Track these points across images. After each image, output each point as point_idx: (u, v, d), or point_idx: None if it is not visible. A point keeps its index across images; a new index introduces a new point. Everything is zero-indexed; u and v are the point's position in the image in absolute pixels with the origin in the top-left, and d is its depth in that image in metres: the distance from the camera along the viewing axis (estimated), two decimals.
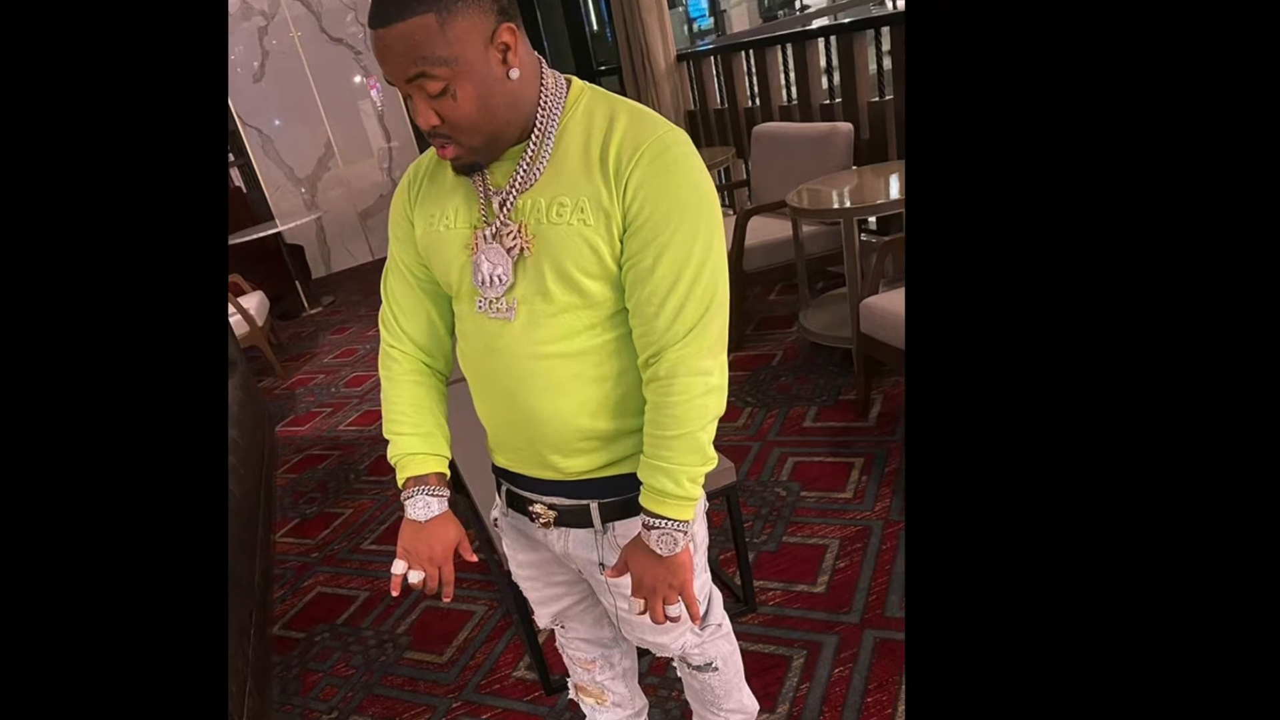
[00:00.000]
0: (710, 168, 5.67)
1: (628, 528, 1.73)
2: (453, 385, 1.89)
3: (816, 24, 6.09)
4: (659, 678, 2.86)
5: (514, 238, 1.55)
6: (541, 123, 1.54)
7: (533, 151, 1.54)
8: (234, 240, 8.04)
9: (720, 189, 6.42)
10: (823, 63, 5.86)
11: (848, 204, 4.22)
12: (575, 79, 1.60)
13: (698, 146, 1.88)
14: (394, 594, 1.74)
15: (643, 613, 1.71)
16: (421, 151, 1.77)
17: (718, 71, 7.02)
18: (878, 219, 5.74)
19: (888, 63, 5.32)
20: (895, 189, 4.24)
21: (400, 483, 1.77)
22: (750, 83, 6.66)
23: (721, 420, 1.61)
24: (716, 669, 2.13)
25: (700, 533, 1.85)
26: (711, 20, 13.07)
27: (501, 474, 1.88)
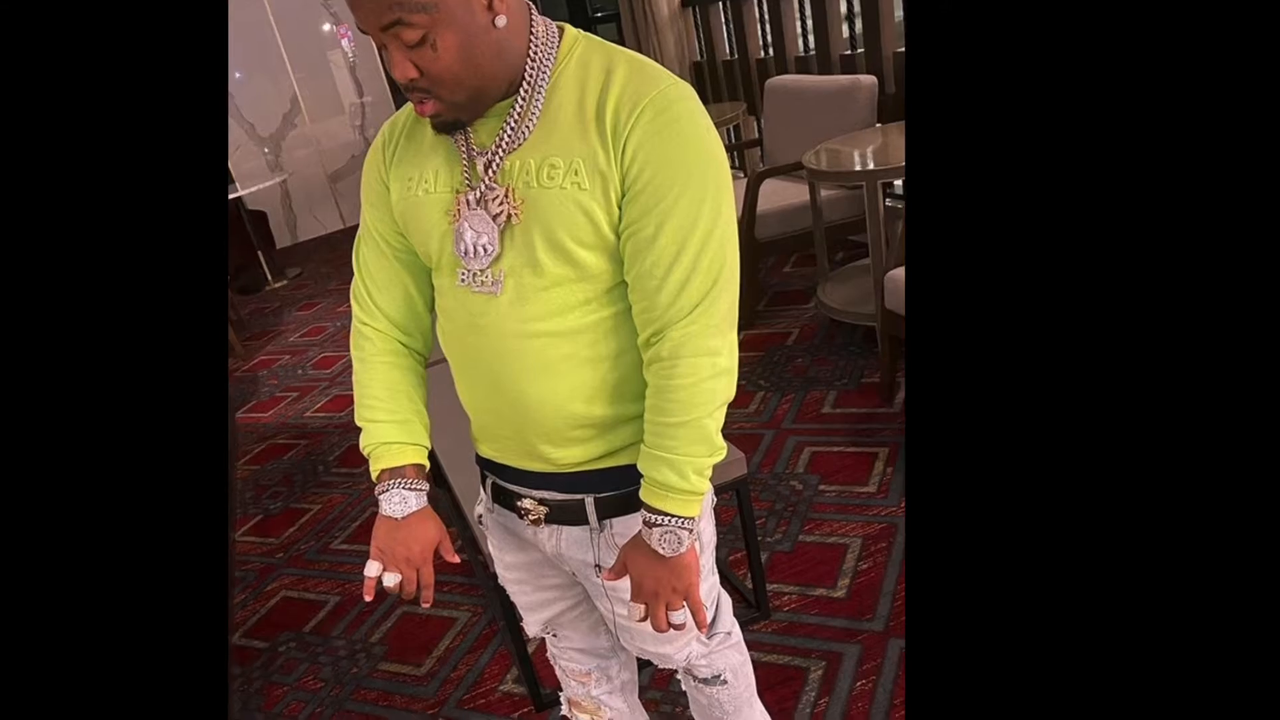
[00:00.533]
0: (718, 125, 5.67)
1: (627, 525, 1.73)
2: (433, 367, 1.89)
3: None
4: (661, 692, 2.87)
5: (500, 203, 1.54)
6: (531, 76, 1.53)
7: (521, 107, 1.53)
8: None
9: (729, 149, 6.41)
10: (843, 9, 5.85)
11: (871, 165, 4.21)
12: (568, 27, 1.59)
13: (704, 102, 1.87)
14: (367, 599, 1.74)
15: (643, 620, 1.71)
16: (398, 107, 1.76)
17: (727, 18, 7.01)
18: (904, 183, 5.73)
19: None
20: None
21: (374, 475, 1.77)
22: (763, 31, 6.66)
23: (731, 406, 1.60)
24: (725, 682, 2.12)
25: (707, 531, 1.86)
26: None
27: (487, 466, 1.87)
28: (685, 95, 1.50)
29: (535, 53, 1.53)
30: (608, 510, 1.74)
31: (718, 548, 2.01)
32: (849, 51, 5.83)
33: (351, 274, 1.82)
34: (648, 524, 1.62)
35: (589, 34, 1.59)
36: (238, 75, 9.55)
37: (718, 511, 2.02)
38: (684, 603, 1.68)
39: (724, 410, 1.59)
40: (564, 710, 2.28)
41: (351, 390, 1.82)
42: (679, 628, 1.70)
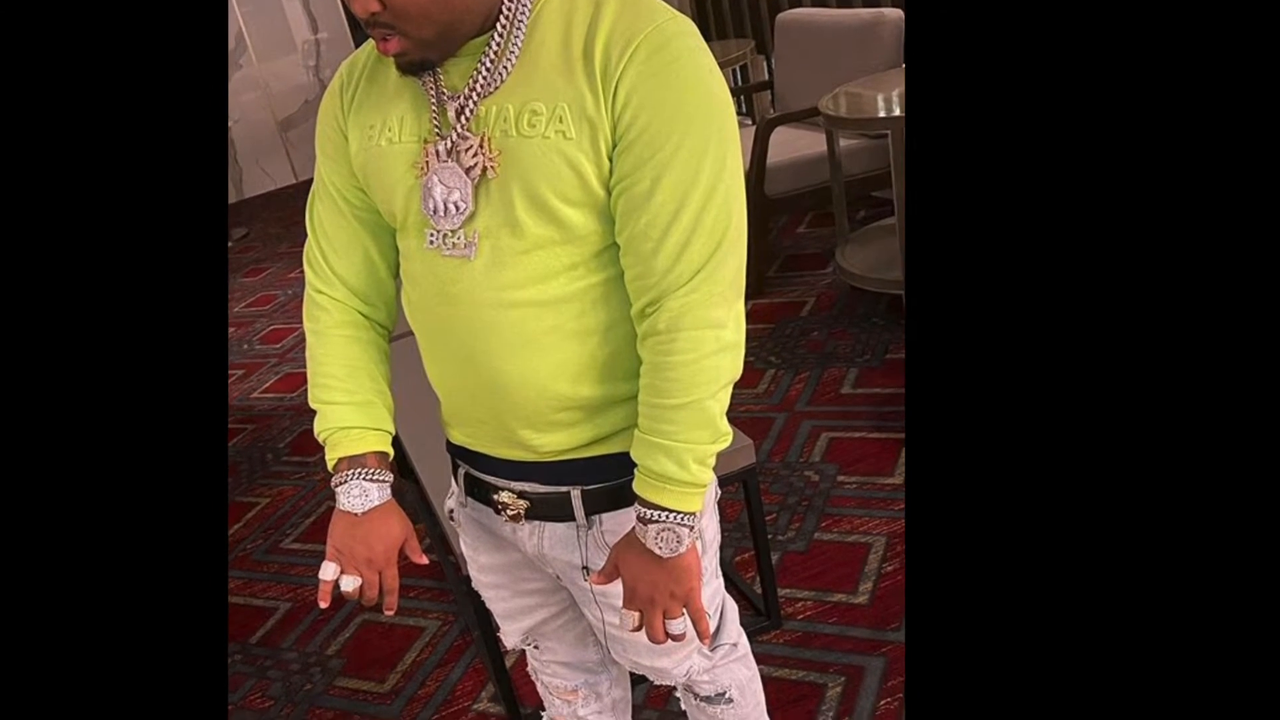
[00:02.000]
0: (723, 66, 5.66)
1: (618, 522, 1.73)
2: (397, 341, 1.89)
3: None
4: (658, 711, 2.88)
5: (474, 154, 1.54)
6: (509, 9, 1.52)
7: (498, 45, 1.53)
8: None
9: (735, 93, 6.41)
10: None
11: (896, 111, 4.21)
12: None
13: (707, 39, 1.86)
14: (322, 605, 1.74)
15: (637, 629, 1.71)
16: (357, 45, 1.76)
17: None
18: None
19: None
20: None
21: (331, 465, 1.77)
22: None
23: (737, 386, 1.60)
24: (731, 700, 2.13)
25: (710, 528, 1.86)
26: None
27: (459, 454, 1.88)
28: (685, 31, 1.50)
29: None
30: (596, 504, 1.74)
31: (722, 547, 2.02)
32: None
33: (305, 235, 1.82)
34: (642, 520, 1.62)
35: None
36: None
37: (722, 506, 2.02)
38: (683, 610, 1.68)
39: (729, 390, 1.59)
40: None
41: (305, 368, 1.82)
42: (678, 638, 1.71)
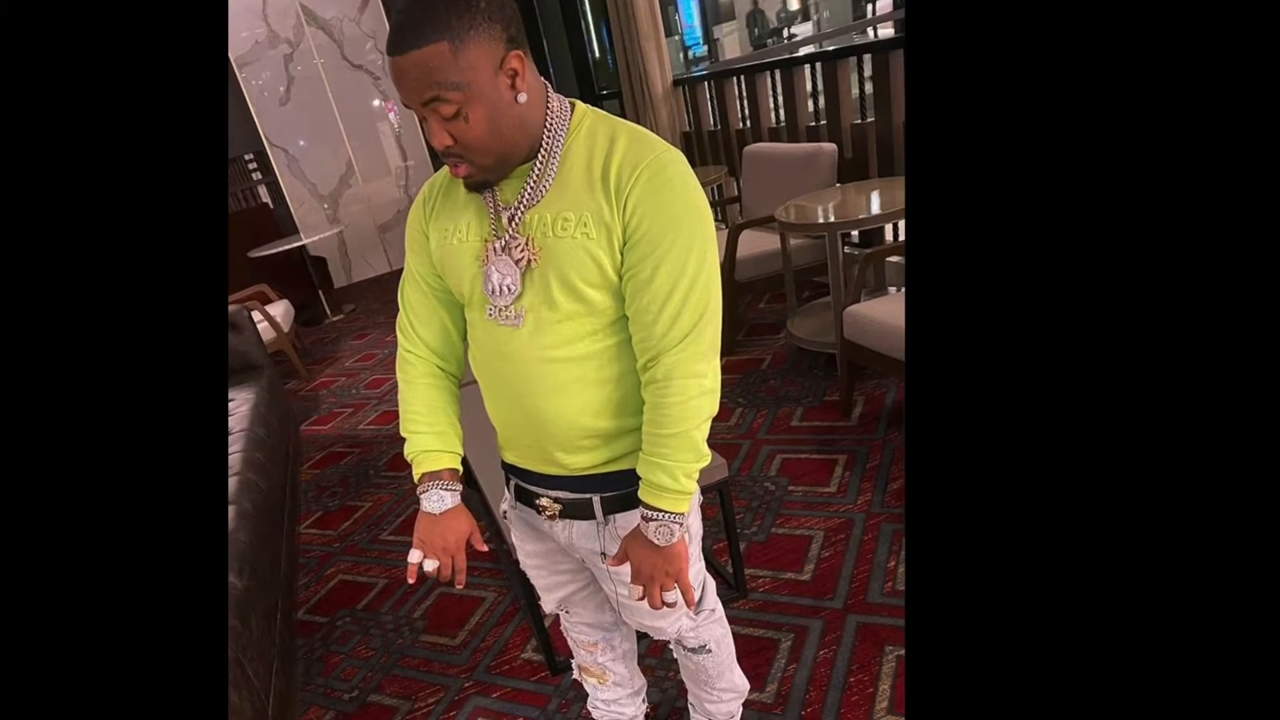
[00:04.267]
0: (704, 185, 5.67)
1: (628, 519, 1.73)
2: (465, 387, 1.89)
3: (803, 51, 6.06)
4: (656, 659, 2.86)
5: (522, 250, 1.55)
6: (547, 143, 1.54)
7: (539, 170, 1.54)
8: (262, 253, 8.07)
9: (714, 205, 6.42)
10: (809, 87, 5.87)
11: (832, 219, 4.21)
12: (579, 102, 1.60)
13: (692, 165, 1.87)
14: (410, 581, 1.74)
15: (641, 599, 1.71)
16: (436, 170, 1.77)
17: (711, 96, 7.02)
18: (860, 232, 5.74)
19: (869, 87, 5.31)
20: (876, 204, 4.24)
21: (416, 478, 1.77)
22: (741, 106, 6.66)
23: (714, 420, 1.60)
24: (710, 651, 2.12)
25: (695, 524, 1.85)
26: (705, 48, 13.09)
27: (510, 470, 1.87)
28: (676, 160, 1.51)
29: (551, 124, 1.54)
30: (612, 507, 1.74)
31: (704, 538, 2.01)
32: (814, 123, 5.84)
33: (397, 309, 1.83)
34: (645, 519, 1.62)
35: (596, 108, 1.60)
36: (302, 143, 9.57)
37: (703, 508, 2.02)
38: (675, 584, 1.68)
39: (709, 423, 1.59)
40: (575, 675, 2.28)
41: (397, 407, 1.82)
42: (671, 605, 1.70)
